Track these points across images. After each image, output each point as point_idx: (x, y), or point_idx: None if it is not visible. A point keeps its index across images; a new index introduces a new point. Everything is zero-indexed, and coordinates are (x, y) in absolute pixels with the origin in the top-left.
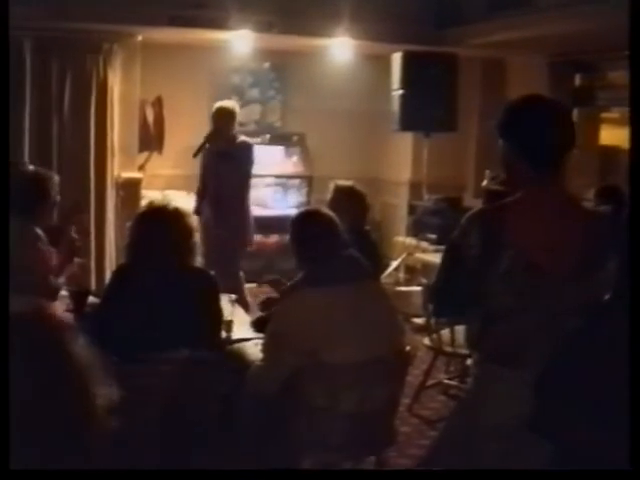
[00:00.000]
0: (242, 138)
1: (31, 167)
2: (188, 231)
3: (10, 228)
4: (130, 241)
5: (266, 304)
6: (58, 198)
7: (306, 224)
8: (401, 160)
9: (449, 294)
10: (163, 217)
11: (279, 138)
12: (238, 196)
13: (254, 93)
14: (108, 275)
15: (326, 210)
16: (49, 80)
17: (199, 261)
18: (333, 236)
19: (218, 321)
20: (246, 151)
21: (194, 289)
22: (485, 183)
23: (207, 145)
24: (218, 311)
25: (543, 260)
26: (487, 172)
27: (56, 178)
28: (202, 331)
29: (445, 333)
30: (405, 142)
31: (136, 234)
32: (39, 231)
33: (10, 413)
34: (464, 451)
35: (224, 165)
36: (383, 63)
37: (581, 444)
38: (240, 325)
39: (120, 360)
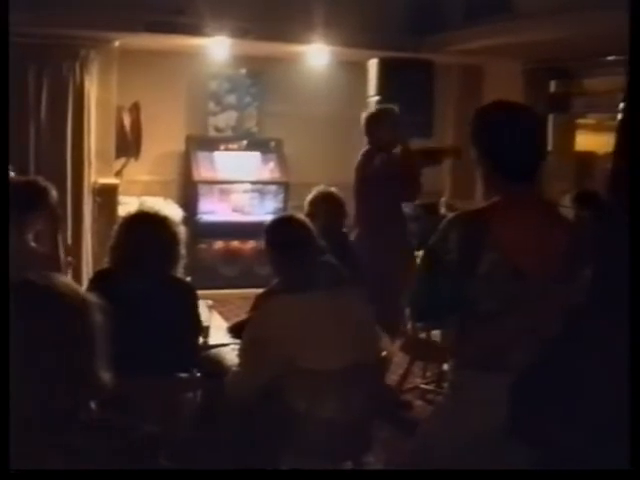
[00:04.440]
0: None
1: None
2: (176, 239)
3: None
4: (116, 244)
5: (235, 329)
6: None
7: (280, 230)
8: None
9: (428, 299)
10: (153, 222)
11: (256, 144)
12: None
13: (231, 99)
14: (85, 281)
15: (300, 216)
16: (25, 86)
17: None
18: (308, 242)
19: (198, 331)
20: None
21: (176, 298)
22: (443, 211)
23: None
24: (198, 321)
25: (523, 264)
26: (442, 200)
27: (54, 193)
28: (183, 341)
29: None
30: None
31: (124, 237)
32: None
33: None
34: (443, 456)
35: None
36: (360, 69)
37: (558, 447)
38: (217, 331)
39: None
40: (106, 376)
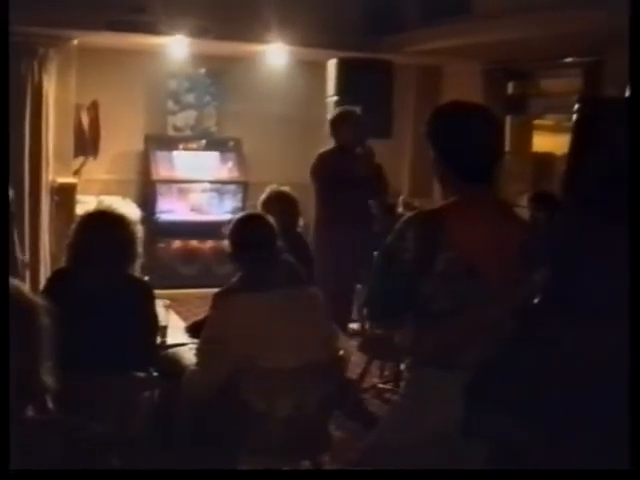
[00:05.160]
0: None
1: None
2: (133, 238)
3: None
4: (73, 242)
5: (193, 328)
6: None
7: (248, 227)
8: None
9: (384, 298)
10: (110, 221)
11: (215, 144)
12: None
13: (190, 98)
14: (42, 281)
15: (267, 215)
16: None
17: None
18: (272, 241)
19: (155, 330)
20: None
21: (133, 297)
22: (401, 210)
23: None
24: (155, 319)
25: (479, 263)
26: (400, 198)
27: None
28: (140, 340)
29: None
30: None
31: (80, 236)
32: None
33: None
34: (400, 455)
35: None
36: (319, 69)
37: (514, 445)
38: (175, 330)
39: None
40: (49, 380)
